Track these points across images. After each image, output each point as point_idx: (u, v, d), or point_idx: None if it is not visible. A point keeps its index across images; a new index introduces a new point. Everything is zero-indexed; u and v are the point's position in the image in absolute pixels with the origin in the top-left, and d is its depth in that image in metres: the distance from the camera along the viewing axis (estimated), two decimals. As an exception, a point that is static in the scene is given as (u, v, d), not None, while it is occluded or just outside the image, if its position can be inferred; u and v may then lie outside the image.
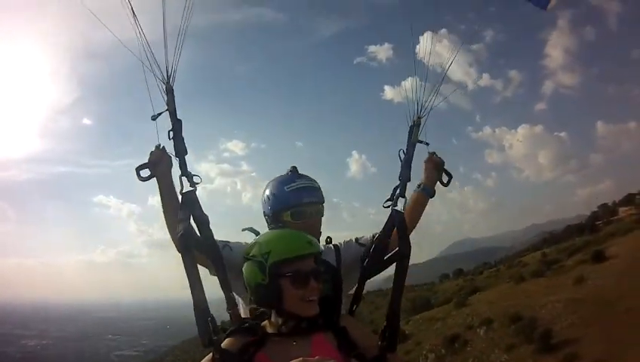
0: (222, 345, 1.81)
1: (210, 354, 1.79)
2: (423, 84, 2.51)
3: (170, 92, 2.25)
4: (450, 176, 2.59)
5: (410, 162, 2.46)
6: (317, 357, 1.53)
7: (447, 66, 2.58)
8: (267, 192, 2.54)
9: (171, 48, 2.23)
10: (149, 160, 2.27)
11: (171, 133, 2.23)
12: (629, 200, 57.17)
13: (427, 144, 2.52)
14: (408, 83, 2.56)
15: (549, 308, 19.90)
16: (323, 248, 2.07)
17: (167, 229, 2.28)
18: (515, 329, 19.61)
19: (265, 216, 2.57)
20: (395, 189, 2.41)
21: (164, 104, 2.25)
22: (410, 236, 2.28)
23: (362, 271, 2.34)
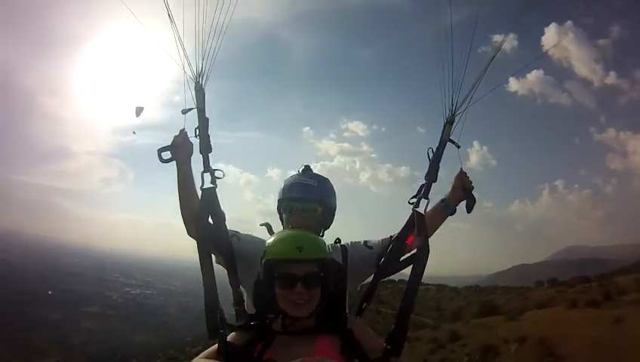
0: (229, 338, 1.86)
1: (216, 345, 1.84)
2: (460, 80, 2.37)
3: (199, 90, 2.32)
4: (474, 202, 2.51)
5: (439, 162, 2.43)
6: (318, 357, 1.63)
7: (486, 66, 2.44)
8: (282, 188, 2.63)
9: (210, 47, 2.29)
10: (171, 143, 2.27)
11: (197, 130, 2.29)
12: None
13: (458, 146, 2.44)
14: (532, 76, 5.21)
15: (575, 340, 19.47)
16: (330, 249, 2.18)
17: (180, 211, 2.32)
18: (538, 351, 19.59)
19: (278, 208, 2.65)
20: (420, 188, 2.41)
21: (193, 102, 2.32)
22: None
23: (377, 270, 2.40)
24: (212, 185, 2.25)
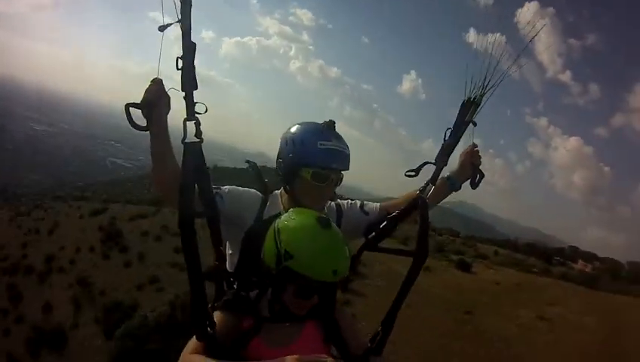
0: (215, 319, 1.68)
1: (199, 343, 1.65)
2: (489, 55, 2.08)
3: (185, 2, 1.63)
4: (482, 176, 2.30)
5: (455, 146, 2.15)
6: (314, 356, 1.53)
7: (528, 41, 2.14)
8: (294, 135, 2.06)
9: None
10: (143, 98, 1.73)
11: (179, 60, 1.67)
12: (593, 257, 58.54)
13: (475, 124, 2.17)
14: (493, 38, 2.17)
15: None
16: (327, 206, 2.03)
17: (155, 181, 1.92)
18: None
19: (279, 160, 2.11)
20: (422, 164, 2.17)
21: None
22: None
23: (365, 243, 2.18)
24: (197, 140, 1.73)
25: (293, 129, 2.07)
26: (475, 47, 2.15)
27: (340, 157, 2.05)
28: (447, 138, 2.14)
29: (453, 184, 2.29)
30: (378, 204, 2.35)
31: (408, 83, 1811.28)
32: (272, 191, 2.18)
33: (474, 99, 2.12)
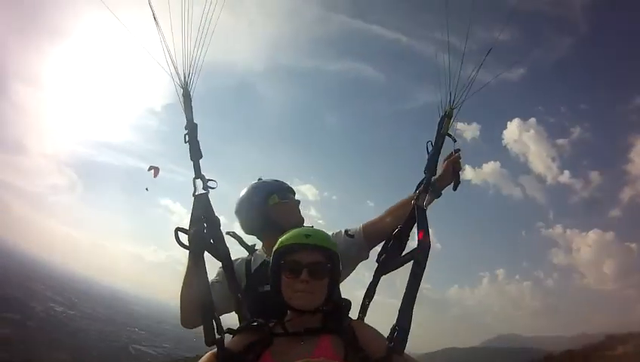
0: (228, 343, 1.89)
1: (214, 350, 1.84)
2: (458, 71, 2.35)
3: (187, 97, 2.33)
4: (459, 183, 2.49)
5: (438, 156, 2.39)
6: (321, 358, 1.64)
7: (484, 57, 2.40)
8: (247, 190, 2.68)
9: (196, 54, 2.29)
10: (189, 228, 2.18)
11: (186, 136, 2.29)
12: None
13: (455, 140, 2.44)
14: (489, 166, 2.84)
15: None
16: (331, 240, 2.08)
17: (181, 298, 2.33)
18: None
19: (248, 217, 2.63)
20: (420, 183, 2.37)
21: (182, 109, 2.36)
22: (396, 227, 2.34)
23: (378, 267, 2.38)
24: (204, 191, 2.24)
25: (243, 195, 2.68)
26: (444, 65, 2.35)
27: (284, 182, 2.73)
28: (429, 150, 2.38)
29: (435, 191, 2.42)
30: (361, 224, 2.57)
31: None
32: (256, 250, 2.66)
33: (446, 113, 2.38)
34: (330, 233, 2.38)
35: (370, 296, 2.40)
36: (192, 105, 2.35)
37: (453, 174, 2.49)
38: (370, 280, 2.43)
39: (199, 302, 1.98)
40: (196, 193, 2.23)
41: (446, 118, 2.38)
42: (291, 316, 1.90)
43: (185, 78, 2.33)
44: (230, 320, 2.32)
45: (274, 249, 1.96)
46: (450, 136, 2.40)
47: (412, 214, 2.27)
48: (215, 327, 1.91)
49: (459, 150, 2.51)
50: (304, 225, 2.56)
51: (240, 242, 2.62)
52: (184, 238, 2.14)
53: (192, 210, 2.18)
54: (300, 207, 2.69)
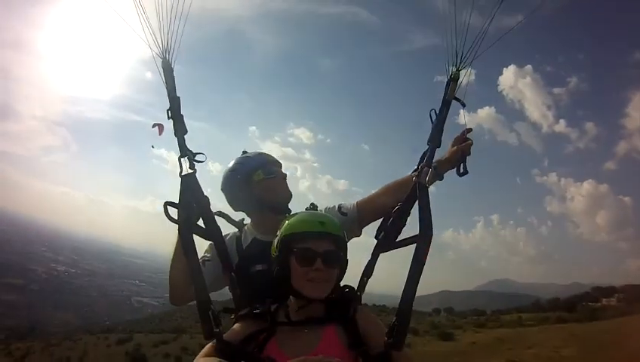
0: (229, 333, 1.81)
1: (212, 343, 1.77)
2: (464, 30, 2.02)
3: (167, 68, 2.08)
4: (466, 171, 2.28)
5: (443, 124, 2.10)
6: (320, 356, 1.55)
7: (494, 11, 2.01)
8: (230, 166, 2.50)
9: (176, 22, 2.03)
10: (179, 200, 2.03)
11: (169, 112, 2.09)
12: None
13: (464, 105, 2.15)
14: (484, 112, 2.62)
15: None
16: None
17: (170, 274, 2.24)
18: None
19: (232, 191, 2.47)
20: (423, 156, 2.13)
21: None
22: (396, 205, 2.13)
23: (377, 245, 2.20)
24: (191, 170, 2.03)
25: (227, 169, 2.49)
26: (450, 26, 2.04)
27: (267, 155, 2.50)
28: (433, 119, 2.09)
29: (437, 173, 2.19)
30: (355, 201, 2.40)
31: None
32: (245, 225, 2.48)
33: (452, 76, 2.08)
34: (323, 208, 2.35)
35: (368, 273, 2.16)
36: (175, 75, 2.07)
37: (460, 160, 2.27)
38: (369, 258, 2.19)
39: (196, 297, 1.84)
40: (182, 173, 2.01)
41: (452, 82, 2.08)
42: (296, 304, 1.79)
43: (164, 46, 2.02)
44: (220, 297, 2.25)
45: (282, 233, 1.80)
46: (458, 100, 2.10)
47: (413, 191, 2.03)
48: (212, 320, 1.76)
49: (470, 130, 2.29)
50: (314, 210, 2.19)
51: (228, 220, 2.45)
52: (174, 212, 1.99)
53: (180, 193, 1.99)
54: (287, 181, 2.48)
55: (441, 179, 2.25)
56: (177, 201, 2.00)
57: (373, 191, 2.42)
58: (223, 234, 2.26)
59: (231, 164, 2.50)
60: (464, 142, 2.27)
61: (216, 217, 2.24)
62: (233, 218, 2.50)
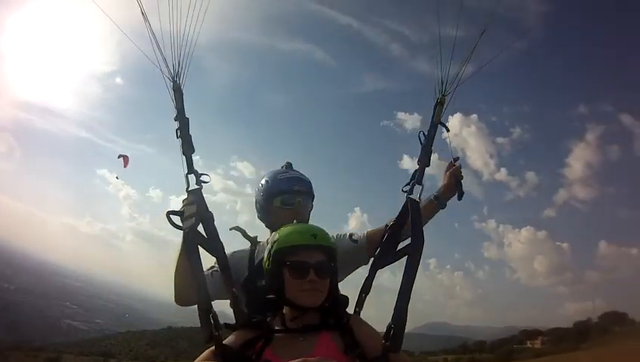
0: (228, 340, 1.85)
1: (213, 347, 1.79)
2: (449, 59, 2.28)
3: (177, 91, 2.24)
4: (462, 193, 2.49)
5: (431, 145, 2.30)
6: (317, 357, 1.58)
7: (476, 41, 2.35)
8: (262, 181, 2.62)
9: (185, 48, 2.21)
10: (182, 208, 2.18)
11: (178, 131, 2.22)
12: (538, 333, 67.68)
13: (448, 130, 2.37)
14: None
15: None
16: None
17: (175, 277, 2.30)
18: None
19: (256, 204, 2.63)
20: (413, 174, 2.28)
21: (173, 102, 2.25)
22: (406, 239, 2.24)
23: (374, 260, 2.33)
24: (197, 186, 2.18)
25: (261, 180, 2.62)
26: (439, 56, 2.28)
27: (299, 182, 2.56)
28: (422, 140, 2.29)
29: (439, 204, 2.47)
30: (365, 231, 2.53)
31: (354, 220, 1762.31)
32: (259, 242, 2.56)
33: (438, 100, 2.30)
34: (335, 234, 2.48)
35: (366, 290, 2.31)
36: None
37: (456, 185, 2.47)
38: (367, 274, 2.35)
39: (197, 301, 1.89)
40: (189, 188, 2.18)
41: (438, 105, 2.31)
42: (291, 313, 1.85)
43: (175, 70, 2.23)
44: (226, 306, 2.31)
45: (274, 247, 1.88)
46: (442, 125, 2.32)
47: (405, 207, 2.19)
48: (213, 324, 1.82)
49: (457, 158, 2.50)
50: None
51: (243, 235, 2.55)
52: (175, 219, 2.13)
53: (185, 206, 2.13)
54: (305, 215, 2.58)
55: (444, 207, 2.47)
56: (179, 210, 2.13)
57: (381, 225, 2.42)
58: (239, 249, 2.47)
59: (265, 177, 2.63)
60: (456, 172, 2.46)
61: (234, 231, 2.51)
62: (249, 233, 2.56)
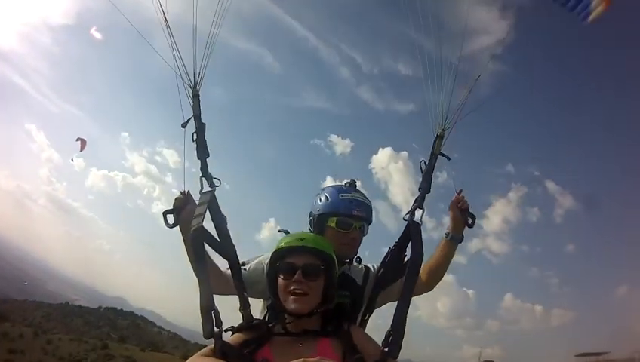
0: (228, 338, 1.93)
1: (212, 344, 1.86)
2: (449, 97, 2.48)
3: (196, 97, 2.40)
4: (474, 218, 2.56)
5: (431, 174, 2.45)
6: (318, 357, 1.62)
7: (475, 80, 2.55)
8: (321, 195, 2.62)
9: (200, 54, 2.36)
10: (173, 205, 2.35)
11: (195, 135, 2.36)
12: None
13: (449, 159, 2.51)
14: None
15: None
16: (348, 268, 2.36)
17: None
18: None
19: (310, 216, 2.64)
20: (415, 200, 2.41)
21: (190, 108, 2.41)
22: (436, 284, 2.51)
23: (376, 281, 2.46)
24: (211, 189, 2.29)
25: (320, 193, 2.64)
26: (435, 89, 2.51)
27: (360, 206, 2.55)
28: (422, 169, 2.48)
29: (453, 239, 2.58)
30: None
31: (267, 231, 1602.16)
32: None
33: (438, 134, 2.50)
34: (374, 266, 2.61)
35: (369, 311, 2.45)
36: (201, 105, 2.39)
37: (463, 214, 2.54)
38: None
39: (200, 298, 1.96)
40: (203, 190, 2.29)
41: (438, 139, 2.49)
42: (290, 318, 1.94)
43: (194, 77, 2.37)
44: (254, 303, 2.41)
45: (272, 252, 2.04)
46: (443, 155, 2.49)
47: (407, 229, 2.32)
48: (214, 320, 1.89)
49: (461, 190, 2.60)
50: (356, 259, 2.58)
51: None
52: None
53: (197, 206, 2.23)
54: (358, 241, 2.59)
55: (460, 240, 2.59)
56: (172, 208, 2.34)
57: None
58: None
59: (325, 192, 2.62)
60: (459, 201, 2.57)
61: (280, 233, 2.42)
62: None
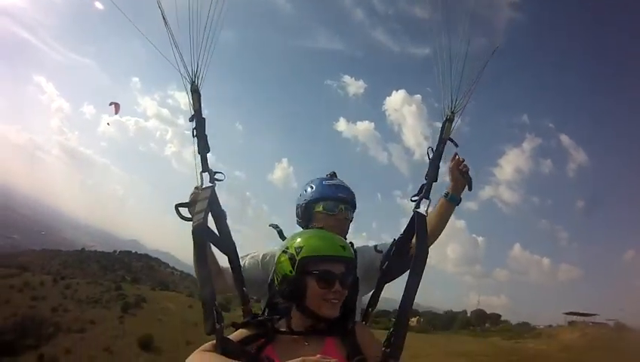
0: (230, 336, 1.86)
1: (214, 340, 1.79)
2: (459, 79, 2.32)
3: (195, 92, 2.32)
4: (471, 181, 2.49)
5: (439, 161, 2.33)
6: (318, 356, 1.57)
7: (483, 65, 2.38)
8: (306, 187, 2.65)
9: (202, 49, 2.27)
10: (189, 199, 2.26)
11: (194, 130, 2.30)
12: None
13: (457, 145, 2.39)
14: (363, 125, 3.19)
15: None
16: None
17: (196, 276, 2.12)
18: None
19: (297, 209, 2.65)
20: (421, 188, 2.31)
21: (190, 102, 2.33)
22: (432, 244, 2.33)
23: (381, 274, 2.36)
24: (211, 184, 2.24)
25: (305, 185, 2.66)
26: (444, 70, 2.32)
27: (345, 190, 2.59)
28: (430, 155, 2.33)
29: (452, 199, 2.50)
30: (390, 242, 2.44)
31: (280, 171, 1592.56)
32: None
33: (447, 117, 2.34)
34: (359, 245, 2.55)
35: (373, 304, 2.40)
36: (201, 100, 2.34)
37: (461, 175, 2.46)
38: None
39: (201, 293, 1.92)
40: (203, 186, 2.25)
41: (447, 123, 2.34)
42: (302, 319, 1.87)
43: (194, 72, 2.30)
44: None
45: (299, 252, 1.85)
46: (452, 140, 2.36)
47: (412, 221, 2.22)
48: (215, 317, 1.82)
49: (456, 154, 2.47)
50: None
51: (280, 235, 2.49)
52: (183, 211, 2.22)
53: (197, 202, 2.17)
54: (345, 223, 2.59)
55: (457, 202, 2.50)
56: (187, 202, 2.24)
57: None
58: (271, 250, 2.46)
59: (310, 183, 2.65)
60: (458, 164, 2.44)
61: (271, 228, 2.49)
62: (285, 235, 2.43)
